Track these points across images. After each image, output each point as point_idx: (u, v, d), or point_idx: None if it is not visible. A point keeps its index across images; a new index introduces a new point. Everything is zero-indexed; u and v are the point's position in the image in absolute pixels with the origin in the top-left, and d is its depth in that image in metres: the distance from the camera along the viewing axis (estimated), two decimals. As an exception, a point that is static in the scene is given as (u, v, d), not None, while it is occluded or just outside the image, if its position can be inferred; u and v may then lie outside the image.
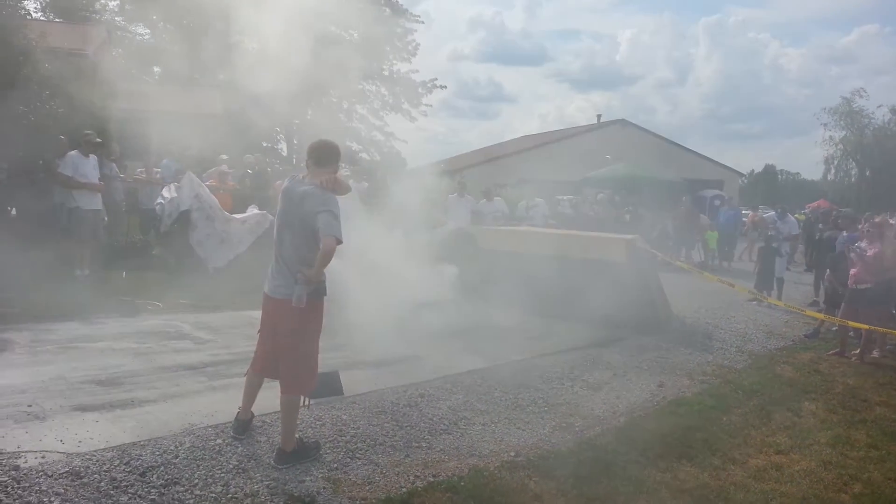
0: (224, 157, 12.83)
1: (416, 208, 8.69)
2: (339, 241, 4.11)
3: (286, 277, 4.25)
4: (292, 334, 4.30)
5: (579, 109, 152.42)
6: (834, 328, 9.08)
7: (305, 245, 4.23)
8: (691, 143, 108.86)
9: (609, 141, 32.54)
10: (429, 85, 33.08)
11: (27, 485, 3.71)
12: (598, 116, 37.26)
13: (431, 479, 4.27)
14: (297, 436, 4.42)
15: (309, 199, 4.18)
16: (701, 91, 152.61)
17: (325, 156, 4.39)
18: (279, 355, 4.39)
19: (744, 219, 19.98)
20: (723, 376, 7.24)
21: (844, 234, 10.23)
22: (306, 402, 4.45)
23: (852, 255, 8.29)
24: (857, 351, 8.32)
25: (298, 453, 4.34)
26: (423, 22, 31.15)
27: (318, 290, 4.25)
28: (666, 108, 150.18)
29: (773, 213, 13.93)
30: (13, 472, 3.82)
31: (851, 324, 8.11)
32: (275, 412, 5.07)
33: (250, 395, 4.67)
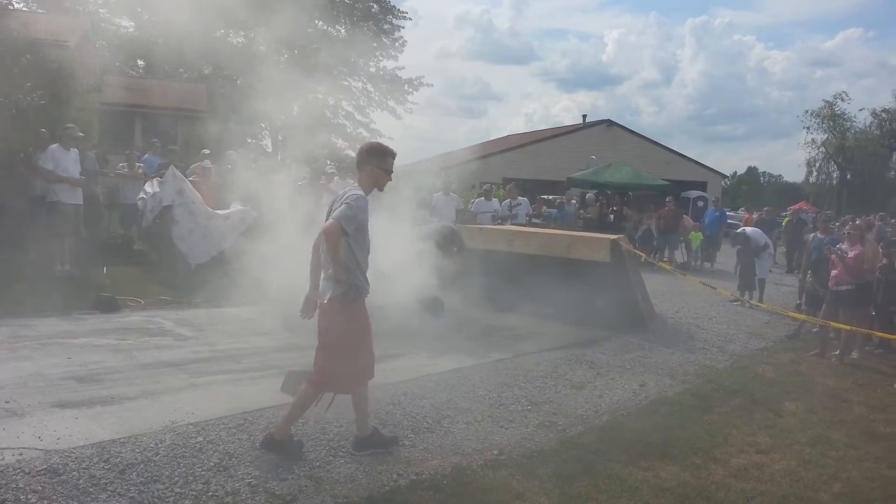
0: (206, 151, 12.75)
1: (402, 206, 8.66)
2: (345, 231, 4.12)
3: (325, 279, 4.32)
4: (322, 332, 4.36)
5: (565, 109, 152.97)
6: (815, 329, 9.16)
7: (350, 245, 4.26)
8: (676, 145, 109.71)
9: (594, 141, 32.65)
10: (415, 82, 33.06)
11: (4, 482, 3.66)
12: (584, 117, 37.35)
13: (414, 478, 4.26)
14: (291, 430, 4.50)
15: (338, 199, 4.28)
16: (686, 92, 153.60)
17: (359, 158, 4.45)
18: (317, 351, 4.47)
19: (729, 220, 20.09)
20: (704, 376, 7.28)
21: (818, 235, 10.34)
22: (321, 400, 4.51)
23: (833, 256, 8.38)
24: (837, 352, 8.41)
25: (284, 445, 4.38)
26: (410, 19, 31.18)
27: (348, 293, 4.26)
28: (651, 109, 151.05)
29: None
30: (-10, 469, 3.77)
31: (832, 325, 8.20)
32: (257, 410, 5.06)
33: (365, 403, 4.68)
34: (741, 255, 12.10)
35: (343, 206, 4.14)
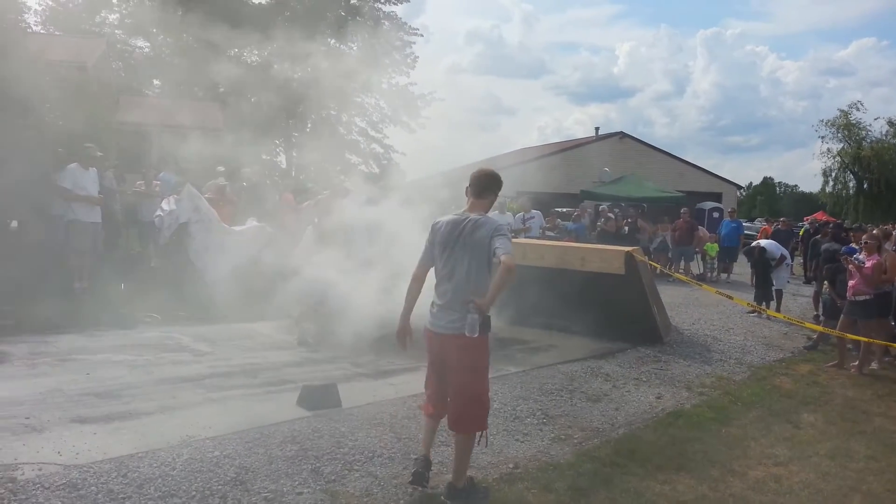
0: (221, 168, 12.87)
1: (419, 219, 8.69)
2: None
3: (460, 311, 4.04)
4: (465, 370, 4.11)
5: (577, 122, 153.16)
6: (832, 340, 9.08)
7: (480, 272, 4.10)
8: (689, 156, 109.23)
9: (607, 153, 32.58)
10: (427, 97, 33.22)
11: (24, 497, 3.70)
12: (597, 129, 37.34)
13: (430, 492, 4.25)
14: (468, 474, 4.25)
15: (482, 227, 4.09)
16: (699, 104, 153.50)
17: (486, 184, 4.30)
18: (450, 393, 4.22)
19: (746, 231, 19.92)
20: (722, 388, 7.23)
21: (830, 245, 10.26)
22: (482, 439, 4.21)
23: (850, 266, 8.31)
24: (856, 363, 8.32)
25: (468, 492, 4.15)
26: (421, 35, 31.30)
27: (486, 323, 4.03)
28: (664, 121, 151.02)
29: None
30: (10, 485, 3.81)
31: (850, 336, 8.12)
32: (273, 424, 5.08)
33: (430, 439, 4.39)
34: (756, 266, 12.03)
35: (505, 239, 4.05)
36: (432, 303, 4.24)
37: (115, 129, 15.19)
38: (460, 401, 4.16)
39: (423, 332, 4.29)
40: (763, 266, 11.81)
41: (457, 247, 4.14)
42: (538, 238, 14.45)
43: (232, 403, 5.58)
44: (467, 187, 4.33)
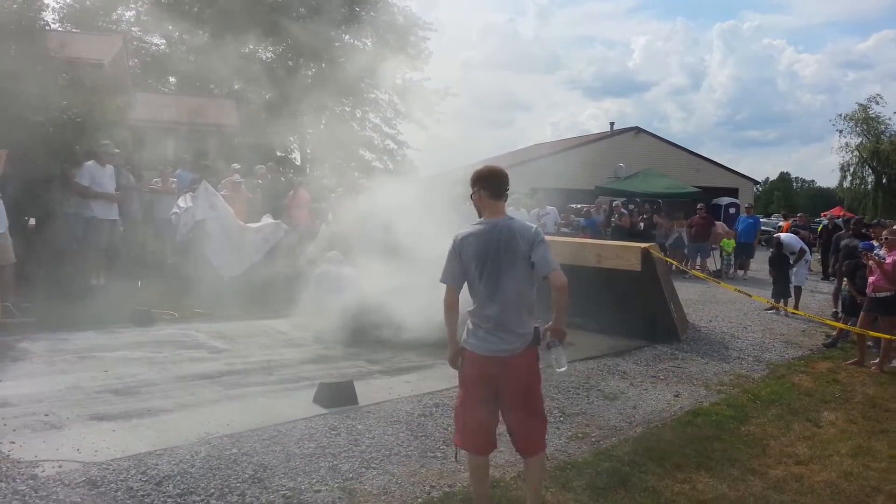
0: (236, 165, 12.93)
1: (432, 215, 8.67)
2: None
3: (513, 331, 3.70)
4: (529, 391, 3.79)
5: (592, 117, 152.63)
6: (852, 337, 8.98)
7: (528, 286, 3.73)
8: (705, 151, 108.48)
9: (622, 149, 32.44)
10: (441, 93, 33.15)
11: (45, 494, 3.72)
12: (612, 124, 37.11)
13: (447, 490, 4.25)
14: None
15: (517, 234, 3.70)
16: (715, 98, 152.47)
17: (506, 185, 3.88)
18: (512, 418, 3.79)
19: (763, 227, 19.75)
20: (740, 386, 7.17)
21: (850, 241, 10.13)
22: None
23: (871, 262, 8.21)
24: (877, 360, 8.22)
25: None
26: (436, 30, 31.16)
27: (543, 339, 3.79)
28: (680, 116, 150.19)
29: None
30: (31, 482, 3.84)
31: (870, 333, 8.02)
32: (291, 421, 5.09)
33: (483, 481, 3.92)
34: (774, 263, 11.91)
35: (545, 249, 3.69)
36: (474, 325, 3.77)
37: (132, 126, 15.27)
38: (528, 422, 3.79)
39: (463, 355, 3.81)
40: (780, 262, 11.70)
41: (496, 262, 3.69)
42: (553, 234, 14.39)
43: (249, 400, 5.59)
44: (479, 190, 3.84)
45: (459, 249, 3.76)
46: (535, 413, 3.83)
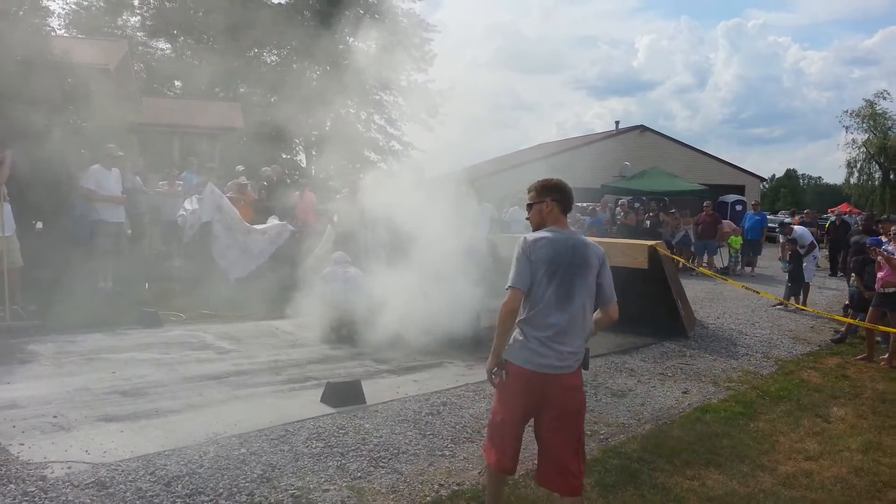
0: (241, 168, 12.96)
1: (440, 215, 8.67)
2: None
3: (570, 345, 3.50)
4: (578, 415, 3.56)
5: (597, 116, 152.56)
6: (861, 333, 8.93)
7: (591, 302, 3.59)
8: (711, 149, 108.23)
9: (628, 147, 32.34)
10: (446, 94, 33.08)
11: (54, 495, 3.73)
12: (617, 123, 36.99)
13: (455, 488, 4.24)
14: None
15: (590, 251, 3.58)
16: (720, 96, 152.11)
17: (572, 198, 3.74)
18: (551, 446, 3.51)
19: (770, 224, 19.67)
20: (749, 382, 7.14)
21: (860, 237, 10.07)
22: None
23: (879, 258, 8.16)
24: (885, 356, 8.17)
25: None
26: (440, 31, 31.14)
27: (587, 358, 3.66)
28: (685, 114, 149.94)
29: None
30: (40, 483, 3.84)
31: (879, 328, 7.98)
32: (298, 421, 5.09)
33: (501, 494, 3.85)
34: (792, 261, 11.79)
35: (609, 275, 3.64)
36: (525, 335, 3.51)
37: (138, 130, 15.34)
38: (571, 453, 3.50)
39: (508, 369, 3.56)
40: (796, 261, 11.58)
41: (569, 269, 3.50)
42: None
43: (257, 401, 5.59)
44: (550, 201, 3.64)
45: (530, 252, 3.50)
46: (580, 443, 3.56)
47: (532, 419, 3.59)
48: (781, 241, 12.58)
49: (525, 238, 3.57)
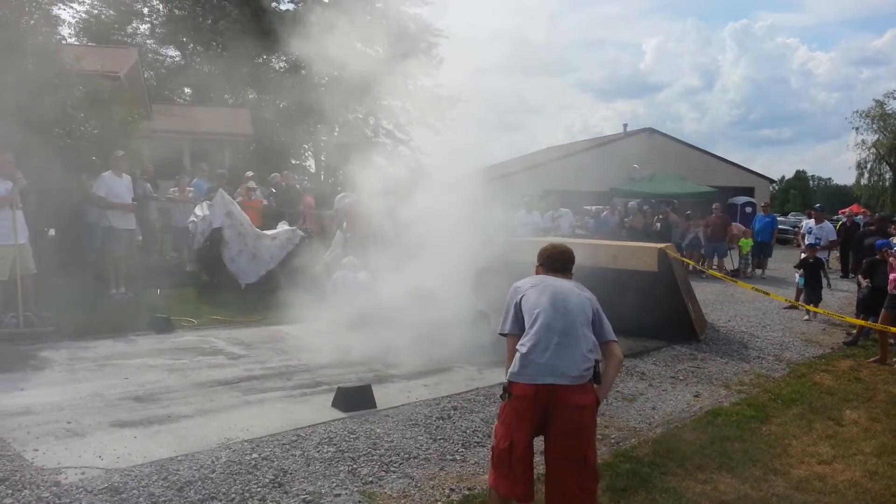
0: (250, 173, 13.02)
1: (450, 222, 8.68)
2: None
3: (577, 348, 3.43)
4: (592, 437, 3.50)
5: (604, 118, 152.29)
6: (873, 335, 8.87)
7: (591, 333, 3.55)
8: (720, 151, 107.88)
9: (636, 150, 32.22)
10: (453, 99, 33.09)
11: (68, 501, 3.75)
12: (625, 126, 36.90)
13: (467, 493, 4.24)
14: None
15: (581, 286, 3.73)
16: (728, 97, 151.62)
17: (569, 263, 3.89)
18: (564, 468, 3.38)
19: (780, 226, 19.55)
20: (760, 385, 7.10)
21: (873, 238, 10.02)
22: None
23: (891, 259, 8.12)
24: (899, 358, 8.12)
25: None
26: (447, 36, 31.20)
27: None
28: (693, 116, 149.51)
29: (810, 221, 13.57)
30: (54, 488, 3.87)
31: (892, 329, 7.92)
32: (310, 426, 5.11)
33: None
34: (808, 268, 11.66)
35: (603, 316, 3.65)
36: (529, 348, 3.46)
37: (148, 137, 15.43)
38: (581, 477, 3.38)
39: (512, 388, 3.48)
40: (814, 267, 11.44)
41: (558, 286, 3.67)
42: (568, 236, 14.34)
43: (268, 406, 5.61)
44: (538, 266, 3.92)
45: (519, 297, 3.67)
46: (592, 467, 3.43)
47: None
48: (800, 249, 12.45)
49: (513, 286, 3.78)
